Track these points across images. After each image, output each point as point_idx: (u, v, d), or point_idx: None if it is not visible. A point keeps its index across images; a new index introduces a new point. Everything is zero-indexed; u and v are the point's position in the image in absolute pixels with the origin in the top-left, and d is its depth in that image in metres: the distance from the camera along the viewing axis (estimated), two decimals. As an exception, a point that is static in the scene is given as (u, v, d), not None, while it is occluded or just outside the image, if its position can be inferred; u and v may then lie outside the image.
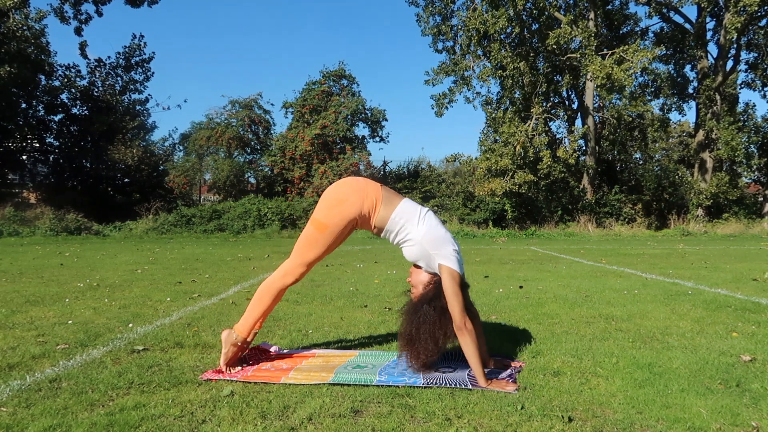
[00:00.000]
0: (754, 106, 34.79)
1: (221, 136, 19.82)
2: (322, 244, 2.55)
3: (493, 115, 18.74)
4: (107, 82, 21.56)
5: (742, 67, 20.29)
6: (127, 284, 5.53)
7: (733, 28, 16.19)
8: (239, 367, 2.57)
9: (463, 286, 2.49)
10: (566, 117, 21.36)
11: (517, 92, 18.67)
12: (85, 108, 21.01)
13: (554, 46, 16.94)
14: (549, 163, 17.10)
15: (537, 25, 18.52)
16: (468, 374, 2.45)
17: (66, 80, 20.51)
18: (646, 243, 13.61)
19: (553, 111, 20.17)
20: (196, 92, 70.78)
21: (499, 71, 18.10)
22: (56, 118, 20.92)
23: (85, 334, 3.26)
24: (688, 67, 21.01)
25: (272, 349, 2.84)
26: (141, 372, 2.52)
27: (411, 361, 2.46)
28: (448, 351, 2.88)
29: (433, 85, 19.64)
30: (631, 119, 20.18)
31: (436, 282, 2.50)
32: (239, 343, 2.58)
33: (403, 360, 2.54)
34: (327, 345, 3.10)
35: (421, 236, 2.47)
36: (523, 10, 17.13)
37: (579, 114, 20.84)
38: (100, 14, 20.19)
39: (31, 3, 17.74)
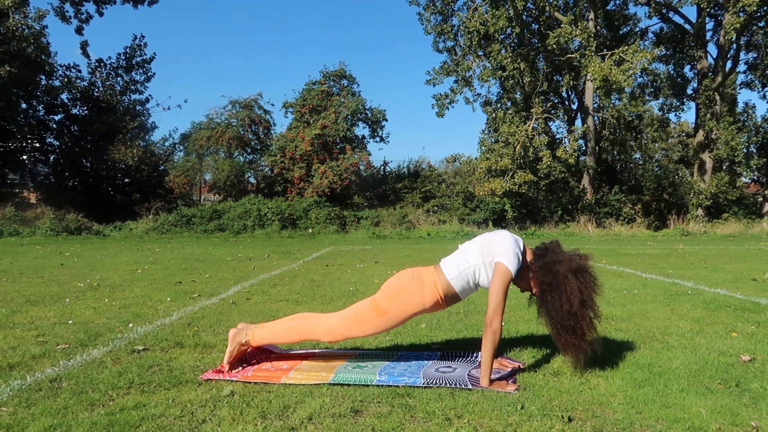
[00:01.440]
0: (754, 106, 34.83)
1: (221, 136, 19.81)
2: (375, 326, 2.50)
3: (494, 115, 18.74)
4: (108, 83, 21.55)
5: (742, 67, 20.33)
6: (128, 284, 5.53)
7: (732, 28, 16.18)
8: (239, 367, 2.58)
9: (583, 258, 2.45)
10: (566, 117, 21.36)
11: (518, 92, 18.67)
12: (85, 108, 21.00)
13: (554, 46, 16.94)
14: (549, 162, 17.11)
15: (537, 25, 18.52)
16: (468, 374, 2.45)
17: (66, 80, 20.51)
18: (645, 243, 13.61)
19: (552, 111, 20.18)
20: (196, 92, 70.81)
21: (500, 71, 18.10)
22: (56, 118, 20.91)
23: (86, 334, 3.27)
24: (687, 68, 21.03)
25: (272, 349, 2.85)
26: (141, 372, 2.52)
27: (579, 342, 2.35)
28: (448, 351, 2.89)
29: (434, 85, 19.64)
30: (631, 119, 20.19)
31: (539, 270, 2.44)
32: (245, 345, 2.61)
33: (569, 356, 2.43)
34: (327, 345, 3.10)
35: (474, 257, 2.47)
36: (523, 10, 17.13)
37: (579, 114, 20.84)
38: (101, 14, 20.20)
39: (31, 2, 17.72)
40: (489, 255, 2.45)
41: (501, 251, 2.41)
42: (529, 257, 2.50)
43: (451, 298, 2.51)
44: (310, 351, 2.92)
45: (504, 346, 2.99)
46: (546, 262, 2.42)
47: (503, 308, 2.36)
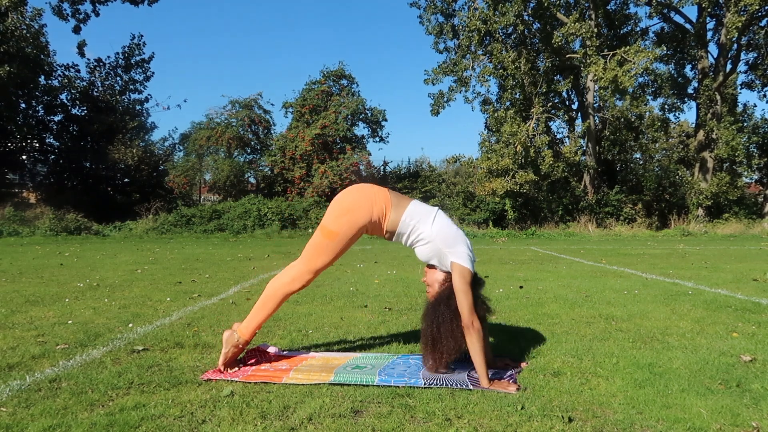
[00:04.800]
0: (754, 106, 34.86)
1: (221, 136, 19.81)
2: (331, 251, 2.58)
3: (494, 115, 18.74)
4: (107, 82, 21.55)
5: (742, 67, 20.32)
6: (127, 284, 5.53)
7: (733, 27, 16.17)
8: (237, 368, 2.58)
9: (476, 283, 2.50)
10: (566, 117, 21.36)
11: (518, 92, 18.67)
12: (84, 108, 21.00)
13: (559, 44, 16.93)
14: (550, 162, 17.11)
15: (538, 25, 18.51)
16: (468, 375, 2.45)
17: (65, 80, 20.50)
18: (646, 243, 13.61)
19: (553, 111, 20.17)
20: (196, 92, 70.82)
21: (500, 71, 18.10)
22: (56, 119, 20.92)
23: (85, 334, 3.26)
24: (688, 67, 21.02)
25: (271, 350, 2.84)
26: (141, 372, 2.52)
27: (434, 362, 2.44)
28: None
29: (433, 84, 19.63)
30: (631, 119, 20.19)
31: (451, 280, 2.50)
32: (240, 345, 2.59)
33: (422, 361, 2.54)
34: (327, 345, 3.10)
35: (434, 234, 2.49)
36: (524, 10, 17.12)
37: (579, 114, 20.84)
38: (97, 14, 20.19)
39: (30, 2, 17.71)
40: (447, 246, 2.47)
41: (460, 253, 2.45)
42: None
43: (388, 232, 2.58)
44: (309, 353, 2.92)
45: (504, 347, 2.99)
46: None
47: (473, 305, 2.40)
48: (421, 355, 2.84)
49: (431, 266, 2.60)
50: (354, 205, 2.55)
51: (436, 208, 2.60)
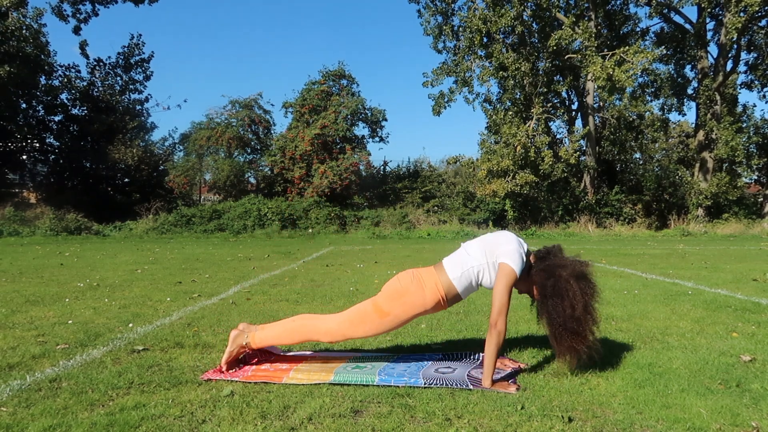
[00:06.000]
0: (754, 106, 34.85)
1: (221, 136, 19.81)
2: (376, 327, 2.49)
3: (494, 116, 18.74)
4: (107, 82, 21.54)
5: (742, 67, 20.32)
6: (127, 284, 5.53)
7: (733, 28, 16.17)
8: (236, 368, 2.58)
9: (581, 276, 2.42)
10: (566, 117, 21.36)
11: (518, 93, 18.66)
12: (84, 108, 20.99)
13: (556, 47, 16.94)
14: (550, 162, 17.10)
15: (537, 26, 18.51)
16: (468, 375, 2.45)
17: (66, 80, 20.51)
18: (646, 243, 13.61)
19: (553, 111, 20.17)
20: (196, 92, 70.81)
21: (501, 71, 18.09)
22: (56, 119, 20.91)
23: (85, 334, 3.26)
24: (688, 68, 21.02)
25: (271, 350, 2.84)
26: (141, 372, 2.52)
27: (579, 346, 2.33)
28: (448, 353, 2.89)
29: (433, 86, 19.63)
30: (631, 119, 20.18)
31: (542, 274, 2.43)
32: (246, 349, 2.61)
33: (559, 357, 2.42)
34: (327, 345, 3.10)
35: (480, 257, 2.45)
36: (523, 10, 17.12)
37: (579, 114, 20.84)
38: (96, 14, 20.19)
39: (30, 2, 17.71)
40: (493, 255, 2.44)
41: (505, 252, 2.41)
42: (531, 260, 2.50)
43: (453, 298, 2.50)
44: (309, 353, 2.92)
45: (505, 347, 2.99)
46: (548, 266, 2.42)
47: (508, 309, 2.36)
48: (420, 354, 2.84)
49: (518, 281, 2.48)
50: (406, 290, 2.48)
51: (463, 243, 2.60)
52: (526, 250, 2.49)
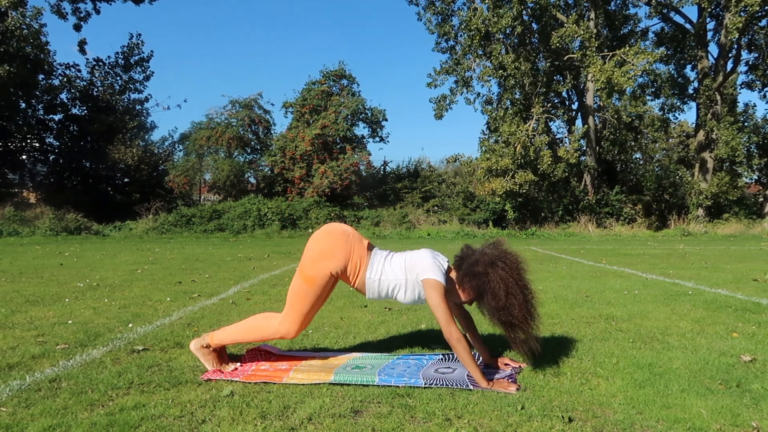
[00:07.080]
0: (754, 106, 34.86)
1: (221, 136, 19.81)
2: (313, 296, 2.51)
3: (494, 115, 18.74)
4: (107, 82, 21.56)
5: (742, 68, 20.32)
6: (127, 284, 5.53)
7: (734, 27, 16.17)
8: (233, 366, 2.58)
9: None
10: (566, 117, 21.36)
11: (518, 92, 18.67)
12: (84, 108, 21.00)
13: (557, 45, 16.93)
14: (550, 162, 17.10)
15: (537, 25, 18.51)
16: (468, 375, 2.45)
17: (65, 80, 20.50)
18: (646, 243, 13.61)
19: (553, 111, 20.17)
20: (196, 92, 70.85)
21: (500, 71, 18.09)
22: (56, 118, 20.92)
23: (85, 334, 3.26)
24: (688, 68, 21.03)
25: (271, 350, 2.84)
26: (141, 372, 2.52)
27: (523, 333, 2.36)
28: (448, 353, 2.88)
29: (436, 87, 19.64)
30: (631, 120, 20.18)
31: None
32: (208, 347, 2.58)
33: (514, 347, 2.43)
34: (327, 345, 3.10)
35: (403, 272, 2.48)
36: (523, 10, 17.12)
37: (579, 114, 20.84)
38: (98, 12, 20.19)
39: (30, 1, 17.70)
40: (413, 273, 2.47)
41: (424, 268, 2.43)
42: (453, 274, 2.52)
43: (358, 288, 2.56)
44: (308, 353, 2.92)
45: (504, 347, 2.99)
46: (466, 269, 2.43)
47: (452, 316, 2.37)
48: (420, 355, 2.84)
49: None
50: (331, 252, 2.49)
51: (386, 252, 2.59)
52: (446, 265, 2.51)
